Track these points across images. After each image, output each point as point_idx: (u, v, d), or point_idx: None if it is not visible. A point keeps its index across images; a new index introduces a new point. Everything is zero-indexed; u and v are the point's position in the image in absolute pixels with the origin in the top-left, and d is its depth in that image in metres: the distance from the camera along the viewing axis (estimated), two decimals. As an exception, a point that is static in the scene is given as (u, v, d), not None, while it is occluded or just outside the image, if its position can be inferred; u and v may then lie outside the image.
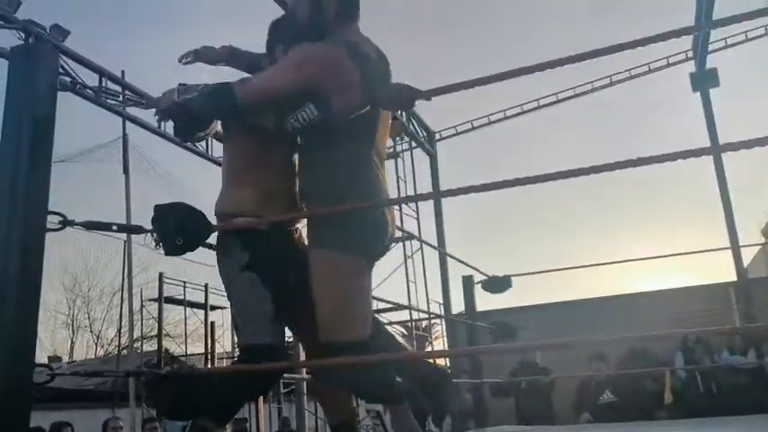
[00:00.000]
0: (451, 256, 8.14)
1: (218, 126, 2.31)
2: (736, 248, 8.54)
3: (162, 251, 1.83)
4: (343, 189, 2.13)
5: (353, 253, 2.13)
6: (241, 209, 2.21)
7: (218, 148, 7.52)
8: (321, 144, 2.15)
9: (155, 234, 1.82)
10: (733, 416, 6.02)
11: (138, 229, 1.84)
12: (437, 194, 6.47)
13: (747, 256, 18.94)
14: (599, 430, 5.60)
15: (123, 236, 9.55)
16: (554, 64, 1.60)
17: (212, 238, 2.04)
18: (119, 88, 6.23)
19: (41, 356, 19.62)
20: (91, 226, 1.91)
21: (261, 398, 11.87)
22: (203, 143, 7.25)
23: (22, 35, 5.90)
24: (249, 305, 2.17)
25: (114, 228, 1.89)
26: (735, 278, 8.50)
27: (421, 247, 10.71)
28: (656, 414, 6.86)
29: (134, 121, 6.77)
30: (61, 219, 1.92)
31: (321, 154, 2.17)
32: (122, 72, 6.52)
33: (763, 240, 20.20)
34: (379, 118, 2.27)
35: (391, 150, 10.55)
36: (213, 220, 1.94)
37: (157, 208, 1.83)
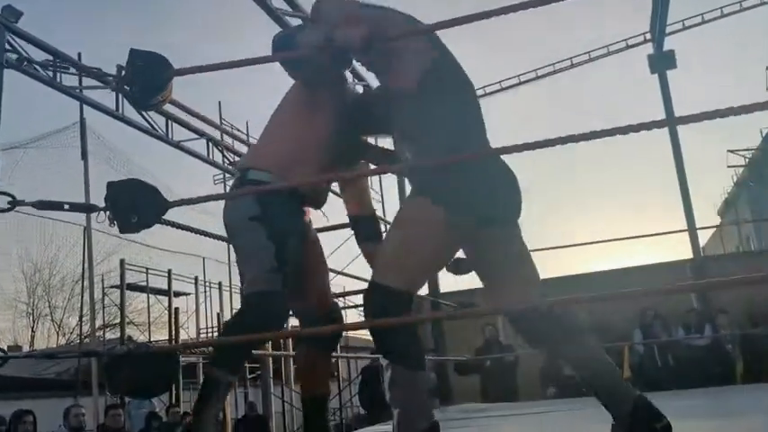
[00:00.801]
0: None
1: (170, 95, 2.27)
2: (692, 229, 8.76)
3: (117, 229, 1.81)
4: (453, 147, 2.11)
5: (450, 209, 2.01)
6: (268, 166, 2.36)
7: (177, 132, 7.42)
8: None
9: (108, 212, 1.79)
10: (689, 389, 6.21)
11: (92, 208, 1.81)
12: (395, 167, 6.49)
13: (705, 235, 19.47)
14: (562, 404, 5.72)
15: (84, 222, 9.39)
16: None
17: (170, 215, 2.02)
18: (75, 71, 6.09)
19: (1, 346, 19.23)
20: (42, 206, 1.87)
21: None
22: (163, 126, 7.14)
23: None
24: (251, 252, 2.32)
25: (66, 207, 1.86)
26: (691, 256, 8.73)
27: (386, 229, 10.72)
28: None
29: (92, 104, 6.62)
30: (10, 199, 1.88)
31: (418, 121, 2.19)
32: (79, 54, 6.38)
33: (718, 221, 20.73)
34: None
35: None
36: (169, 197, 1.92)
37: (111, 185, 1.80)
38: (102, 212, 1.78)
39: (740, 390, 6.20)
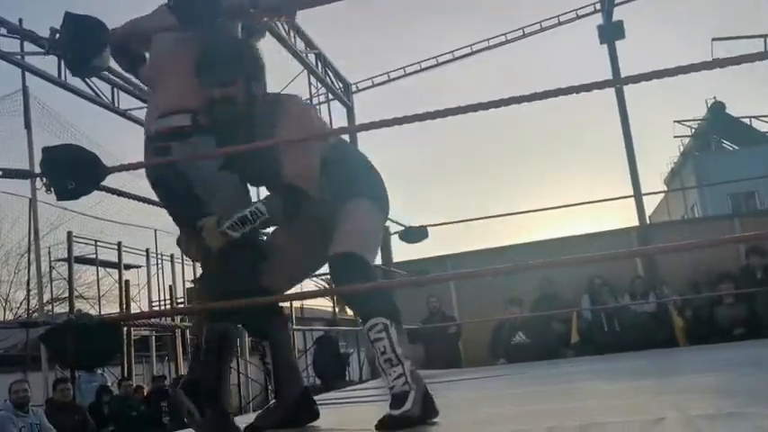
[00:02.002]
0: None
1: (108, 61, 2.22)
2: (638, 196, 8.96)
3: (53, 196, 1.76)
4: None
5: (383, 210, 2.46)
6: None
7: (124, 100, 7.23)
8: None
9: (44, 178, 1.74)
10: (633, 351, 6.42)
11: (27, 174, 1.76)
12: (355, 128, 6.50)
13: (652, 204, 19.97)
14: (510, 369, 5.85)
15: (28, 193, 9.13)
16: None
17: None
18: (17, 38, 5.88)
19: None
20: (-25, 172, 1.81)
21: (180, 354, 11.78)
22: (109, 94, 6.95)
23: None
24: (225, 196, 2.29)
25: (0, 173, 1.80)
26: (637, 224, 8.95)
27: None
28: (563, 352, 7.21)
29: (33, 71, 6.40)
30: (-58, 165, 1.82)
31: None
32: (20, 20, 6.14)
33: (665, 189, 21.28)
34: None
35: (307, 102, 10.39)
36: (109, 163, 1.87)
37: (46, 150, 1.75)
38: (39, 179, 1.73)
39: (680, 352, 6.44)
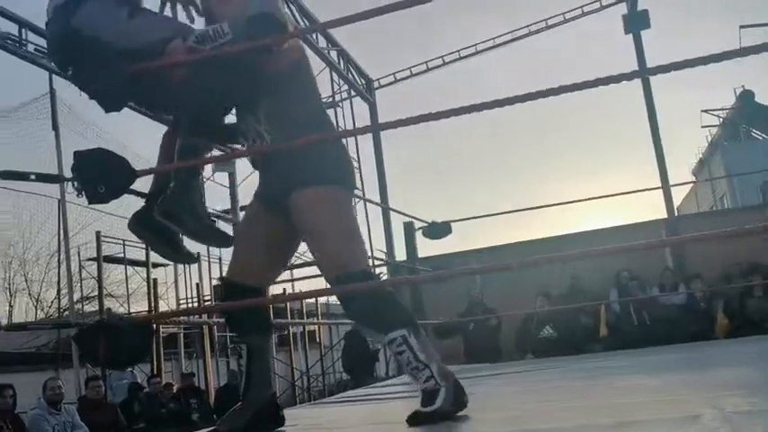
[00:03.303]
0: (393, 210, 8.20)
1: None
2: (666, 188, 8.85)
3: (84, 200, 1.78)
4: (311, 128, 2.21)
5: (344, 185, 2.24)
6: None
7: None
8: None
9: (75, 182, 1.76)
10: (663, 345, 6.34)
11: (58, 178, 1.78)
12: (374, 128, 6.50)
13: (680, 196, 19.71)
14: (538, 364, 5.82)
15: (57, 194, 9.27)
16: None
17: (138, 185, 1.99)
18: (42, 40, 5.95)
19: (-25, 322, 19.08)
20: (7, 176, 1.85)
21: (208, 351, 11.89)
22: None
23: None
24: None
25: (32, 177, 1.83)
26: (666, 216, 8.84)
27: (364, 202, 10.74)
28: (591, 347, 7.16)
29: (60, 74, 6.48)
30: (-26, 170, 1.85)
31: (287, 105, 2.24)
32: (46, 23, 6.21)
33: (693, 180, 20.98)
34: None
35: (330, 99, 10.44)
36: (138, 166, 1.89)
37: (77, 155, 1.76)
38: (69, 183, 1.74)
39: (711, 345, 6.35)
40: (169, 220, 2.14)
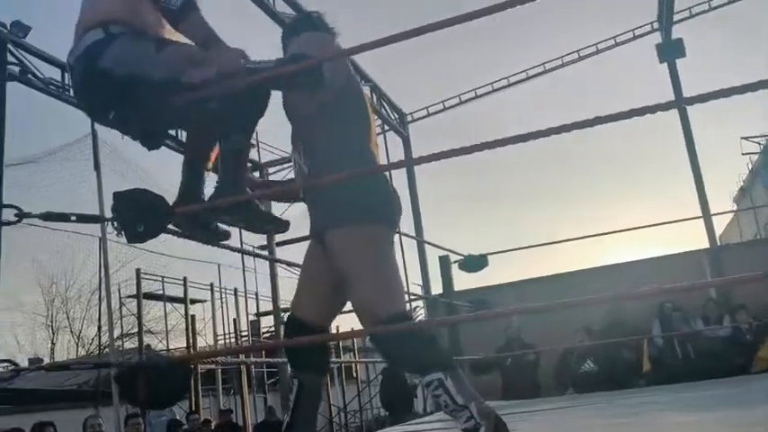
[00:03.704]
0: (428, 243, 8.17)
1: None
2: (707, 217, 8.66)
3: (124, 239, 1.81)
4: (351, 163, 2.18)
5: (382, 224, 2.20)
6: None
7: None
8: (323, 127, 2.21)
9: (115, 222, 1.79)
10: (709, 379, 6.14)
11: (98, 218, 1.82)
12: (409, 162, 6.51)
13: (722, 223, 19.29)
14: (580, 400, 5.68)
15: (98, 233, 9.46)
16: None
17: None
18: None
19: (22, 359, 19.41)
20: (49, 217, 1.88)
21: (246, 388, 11.88)
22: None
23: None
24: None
25: (73, 218, 1.86)
26: (707, 245, 8.63)
27: (399, 236, 10.74)
28: (634, 381, 6.97)
29: (98, 120, 6.65)
30: (18, 212, 1.89)
31: (324, 137, 2.22)
32: (71, 73, 6.40)
33: (734, 208, 20.54)
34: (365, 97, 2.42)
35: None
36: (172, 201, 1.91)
37: (117, 195, 1.80)
38: (109, 223, 1.77)
39: (758, 379, 6.13)
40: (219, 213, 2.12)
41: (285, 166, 11.06)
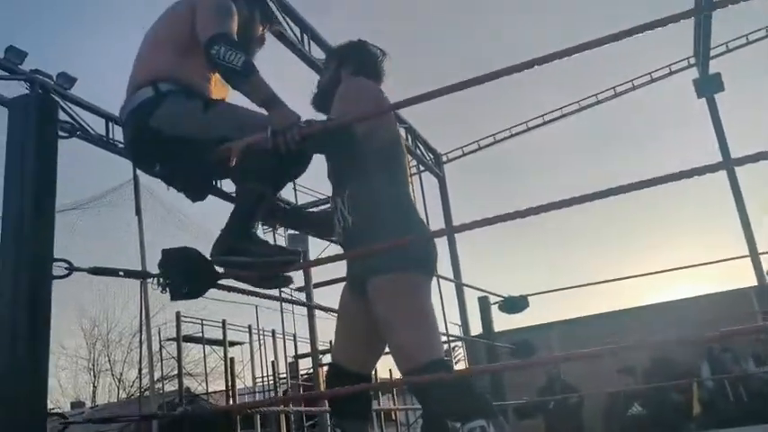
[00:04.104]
0: (467, 285, 8.10)
1: None
2: (754, 254, 8.43)
3: (168, 295, 1.82)
4: (393, 212, 2.22)
5: (421, 271, 2.19)
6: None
7: (228, 184, 7.53)
8: (361, 172, 2.24)
9: (161, 279, 1.80)
10: (764, 423, 5.90)
11: (145, 275, 1.83)
12: (449, 230, 6.46)
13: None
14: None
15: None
16: (546, 59, 1.57)
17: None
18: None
19: (64, 403, 19.64)
20: (97, 272, 1.90)
21: (284, 432, 11.80)
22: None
23: (28, 85, 6.00)
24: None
25: (121, 273, 1.88)
26: (755, 283, 8.39)
27: (437, 278, 10.68)
28: (685, 425, 6.74)
29: (145, 171, 6.80)
30: (67, 266, 1.92)
31: (362, 182, 2.24)
32: (123, 126, 6.58)
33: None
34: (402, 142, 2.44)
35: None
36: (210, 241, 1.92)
37: (165, 253, 1.81)
38: (154, 279, 1.79)
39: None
40: (234, 255, 2.01)
41: (321, 208, 11.14)
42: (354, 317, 2.32)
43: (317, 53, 7.27)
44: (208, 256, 1.91)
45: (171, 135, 2.08)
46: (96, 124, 6.58)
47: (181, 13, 2.28)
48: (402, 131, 10.30)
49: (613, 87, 10.55)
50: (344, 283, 2.42)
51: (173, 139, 2.08)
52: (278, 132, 1.92)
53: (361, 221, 2.21)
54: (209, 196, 2.40)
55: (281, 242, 10.74)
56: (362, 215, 2.21)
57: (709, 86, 9.01)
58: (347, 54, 2.53)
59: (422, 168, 11.10)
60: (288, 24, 7.13)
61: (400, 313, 2.11)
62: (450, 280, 9.02)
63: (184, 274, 1.74)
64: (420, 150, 10.81)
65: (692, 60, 9.74)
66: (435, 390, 2.02)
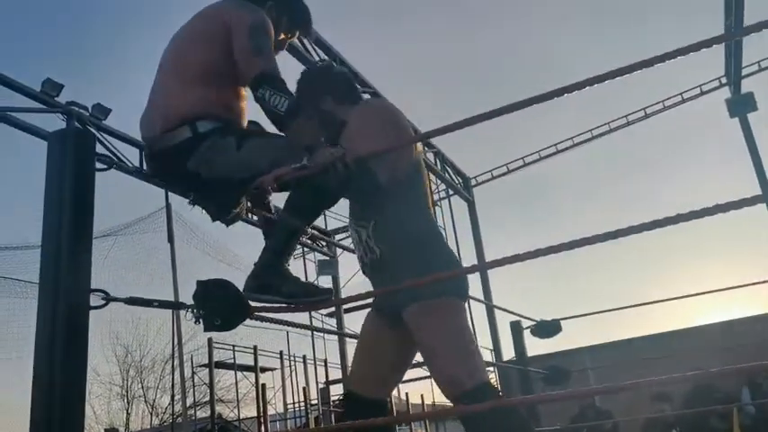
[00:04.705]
0: (498, 308, 8.04)
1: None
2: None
3: (201, 326, 1.84)
4: (421, 242, 2.24)
5: (457, 296, 2.20)
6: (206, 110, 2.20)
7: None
8: (388, 204, 2.25)
9: (194, 311, 1.82)
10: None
11: (179, 306, 1.85)
12: (482, 266, 6.43)
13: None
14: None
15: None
16: (575, 87, 1.57)
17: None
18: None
19: (98, 429, 19.78)
20: (133, 302, 1.93)
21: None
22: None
23: (65, 117, 6.14)
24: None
25: (155, 304, 1.90)
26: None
27: (468, 300, 10.61)
28: (726, 453, 6.55)
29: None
30: (104, 296, 1.95)
31: (388, 213, 2.25)
32: (153, 157, 6.69)
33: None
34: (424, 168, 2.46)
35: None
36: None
37: (200, 285, 1.82)
38: (190, 311, 1.80)
39: None
40: (267, 293, 2.04)
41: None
42: (380, 346, 2.33)
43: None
44: (240, 287, 1.94)
45: (208, 176, 2.14)
46: (130, 153, 6.73)
47: (213, 33, 2.27)
48: (431, 156, 10.31)
49: (644, 108, 10.46)
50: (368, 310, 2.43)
51: (209, 179, 2.14)
52: (329, 165, 1.93)
53: (391, 252, 2.22)
54: (247, 228, 2.45)
55: (311, 267, 10.79)
56: (391, 246, 2.22)
57: (741, 106, 8.88)
58: (326, 85, 2.46)
59: (451, 192, 11.09)
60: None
61: (444, 338, 2.11)
62: (481, 301, 8.96)
63: (218, 307, 1.76)
64: (449, 174, 10.80)
65: (724, 80, 9.62)
66: (488, 416, 1.99)
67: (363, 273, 2.41)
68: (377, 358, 2.34)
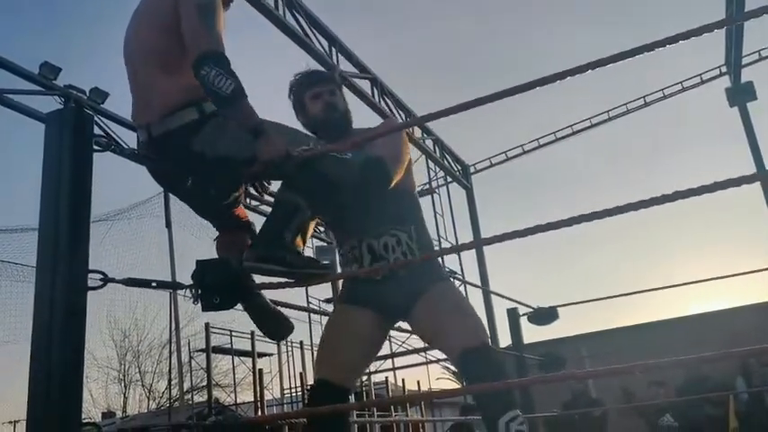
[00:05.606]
0: (495, 293, 8.06)
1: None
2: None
3: (199, 306, 1.84)
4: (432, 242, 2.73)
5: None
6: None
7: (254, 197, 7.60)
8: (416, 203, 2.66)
9: (193, 290, 1.82)
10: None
11: (177, 286, 1.85)
12: (478, 242, 6.44)
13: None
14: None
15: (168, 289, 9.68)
16: (571, 72, 1.57)
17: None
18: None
19: (95, 413, 19.85)
20: (131, 283, 1.93)
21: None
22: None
23: (62, 100, 6.12)
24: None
25: (153, 284, 1.90)
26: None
27: (465, 286, 10.64)
28: (720, 440, 6.60)
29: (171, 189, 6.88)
30: (102, 277, 1.95)
31: (419, 219, 2.61)
32: (154, 143, 6.65)
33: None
34: None
35: (427, 186, 10.57)
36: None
37: (199, 264, 1.83)
38: (187, 290, 1.81)
39: None
40: (267, 263, 2.01)
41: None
42: (363, 334, 2.46)
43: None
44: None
45: (212, 156, 2.10)
46: (127, 137, 6.72)
47: (165, 14, 2.19)
48: (429, 143, 10.30)
49: (643, 97, 10.45)
50: (344, 302, 2.55)
51: (212, 159, 2.10)
52: (267, 163, 1.95)
53: (427, 245, 2.57)
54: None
55: (309, 253, 10.79)
56: (426, 249, 2.55)
57: (741, 95, 8.89)
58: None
59: (449, 179, 11.08)
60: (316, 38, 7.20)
61: (467, 304, 2.48)
62: (478, 286, 8.99)
63: (218, 286, 1.76)
64: (448, 161, 10.80)
65: (724, 69, 9.61)
66: (492, 369, 2.22)
67: (378, 278, 2.45)
68: (361, 347, 2.47)
